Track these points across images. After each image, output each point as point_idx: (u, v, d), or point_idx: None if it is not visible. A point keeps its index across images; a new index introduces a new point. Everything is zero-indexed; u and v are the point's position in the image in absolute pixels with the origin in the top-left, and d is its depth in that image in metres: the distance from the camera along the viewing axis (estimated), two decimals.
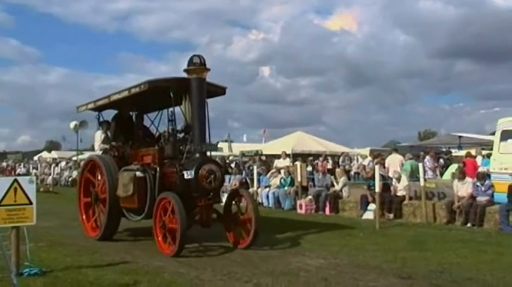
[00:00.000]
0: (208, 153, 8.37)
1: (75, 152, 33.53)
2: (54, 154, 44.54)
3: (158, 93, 8.40)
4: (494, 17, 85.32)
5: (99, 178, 9.32)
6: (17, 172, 32.64)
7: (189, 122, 8.37)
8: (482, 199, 10.96)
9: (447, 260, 7.17)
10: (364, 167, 19.51)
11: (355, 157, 24.34)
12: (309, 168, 17.76)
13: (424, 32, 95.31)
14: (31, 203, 6.12)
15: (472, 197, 11.07)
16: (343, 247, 8.22)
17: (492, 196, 11.04)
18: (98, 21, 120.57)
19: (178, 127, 8.64)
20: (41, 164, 36.61)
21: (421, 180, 11.76)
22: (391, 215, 12.15)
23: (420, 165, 12.65)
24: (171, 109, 8.68)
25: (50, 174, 28.82)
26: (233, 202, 8.57)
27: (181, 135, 8.57)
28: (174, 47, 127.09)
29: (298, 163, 15.81)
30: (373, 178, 11.90)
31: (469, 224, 10.74)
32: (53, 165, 30.64)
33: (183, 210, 7.29)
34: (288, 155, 19.56)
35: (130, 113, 10.13)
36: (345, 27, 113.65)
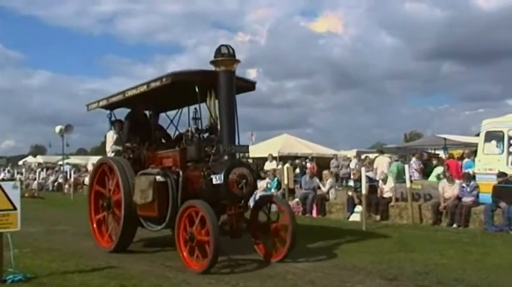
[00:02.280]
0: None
1: (60, 157, 33.19)
2: (39, 159, 44.08)
3: (181, 88, 7.62)
4: (479, 19, 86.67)
5: (112, 182, 8.44)
6: (0, 177, 32.23)
7: (215, 121, 7.59)
8: (467, 199, 11.09)
9: (433, 261, 7.23)
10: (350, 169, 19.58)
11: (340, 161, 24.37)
12: (297, 170, 17.82)
13: (410, 34, 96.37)
14: (15, 208, 6.05)
15: (458, 198, 11.19)
16: (330, 249, 8.24)
17: (477, 196, 11.16)
18: (83, 24, 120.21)
19: (201, 126, 7.82)
20: (25, 169, 36.20)
21: (407, 181, 11.85)
22: (378, 217, 12.24)
23: (406, 167, 12.76)
24: (193, 106, 7.95)
25: (35, 179, 28.52)
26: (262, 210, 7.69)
27: (205, 135, 7.72)
28: (160, 50, 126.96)
29: (285, 166, 15.82)
30: (359, 179, 11.97)
31: (454, 225, 10.86)
32: (38, 170, 30.32)
33: (216, 220, 6.51)
34: (274, 158, 19.59)
35: (145, 111, 9.33)
36: (331, 29, 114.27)
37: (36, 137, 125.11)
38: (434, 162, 16.15)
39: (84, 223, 12.13)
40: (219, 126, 7.42)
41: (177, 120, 9.13)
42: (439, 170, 14.34)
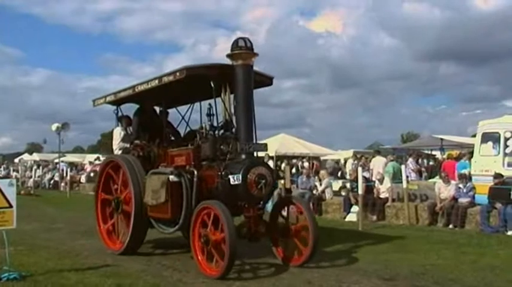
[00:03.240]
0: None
1: (57, 155, 33.12)
2: (35, 156, 43.96)
3: (194, 83, 7.30)
4: (478, 20, 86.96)
5: (120, 181, 8.05)
6: None
7: (230, 117, 7.23)
8: (463, 200, 11.12)
9: (429, 262, 7.24)
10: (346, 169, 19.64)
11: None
12: (293, 170, 17.82)
13: (409, 34, 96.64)
14: (11, 206, 6.03)
15: (454, 199, 11.22)
16: (326, 249, 8.24)
17: (473, 197, 11.20)
18: (81, 22, 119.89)
19: (213, 122, 7.41)
20: (21, 166, 36.10)
21: (404, 182, 11.86)
22: (374, 217, 12.25)
23: (403, 167, 12.78)
24: (205, 102, 7.63)
25: (31, 176, 28.45)
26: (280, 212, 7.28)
27: (219, 132, 7.29)
28: (159, 49, 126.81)
29: (282, 165, 15.82)
30: (356, 180, 11.98)
31: (450, 226, 10.88)
32: (34, 167, 30.24)
33: (232, 222, 6.12)
34: (271, 158, 19.58)
35: (155, 107, 8.95)
36: (330, 29, 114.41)
37: (32, 135, 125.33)
38: (431, 163, 16.20)
39: (80, 221, 12.18)
40: (234, 123, 7.11)
41: (188, 117, 8.81)
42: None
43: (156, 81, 7.49)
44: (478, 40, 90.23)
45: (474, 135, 14.27)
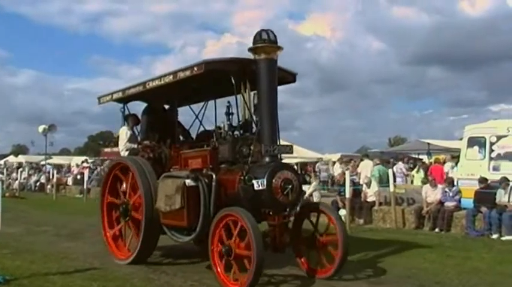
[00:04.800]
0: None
1: (43, 157, 32.81)
2: (21, 158, 43.48)
3: (212, 79, 6.82)
4: (466, 25, 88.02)
5: (128, 185, 7.52)
6: None
7: (250, 116, 6.77)
8: (450, 204, 11.22)
9: (416, 265, 7.29)
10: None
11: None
12: None
13: (397, 38, 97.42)
14: None
15: (440, 202, 11.32)
16: None
17: (459, 201, 11.30)
18: (69, 23, 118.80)
19: (232, 122, 6.91)
20: (7, 168, 35.68)
21: (391, 186, 11.94)
22: (361, 221, 12.31)
23: (390, 171, 12.85)
24: (219, 100, 7.25)
25: (16, 179, 28.14)
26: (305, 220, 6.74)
27: (239, 133, 6.79)
28: (147, 51, 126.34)
29: None
30: (343, 183, 12.04)
31: (437, 229, 10.97)
32: (20, 169, 29.92)
33: (259, 232, 5.56)
34: None
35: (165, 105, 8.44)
36: (319, 32, 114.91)
37: (18, 137, 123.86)
38: (418, 166, 16.35)
39: (66, 223, 12.09)
40: (254, 123, 6.67)
41: (201, 116, 8.25)
42: (421, 174, 14.64)
43: (171, 76, 6.90)
44: (466, 45, 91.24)
45: (461, 140, 14.41)
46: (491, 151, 12.07)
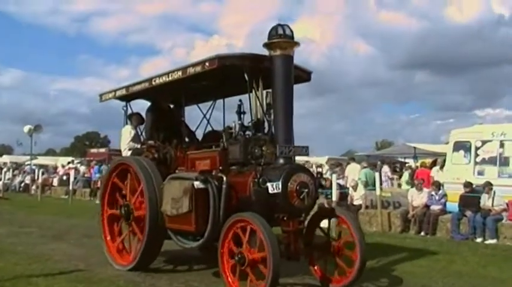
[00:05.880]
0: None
1: (28, 157, 32.47)
2: (5, 159, 42.99)
3: (223, 75, 6.50)
4: (453, 30, 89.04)
5: (128, 186, 7.14)
6: None
7: (262, 116, 6.41)
8: (435, 207, 11.32)
9: (402, 269, 7.32)
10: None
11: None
12: None
13: (385, 43, 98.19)
14: None
15: (426, 206, 11.41)
16: None
17: (445, 205, 11.41)
18: (57, 23, 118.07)
19: (243, 121, 6.51)
20: None
21: (377, 189, 12.01)
22: None
23: (377, 174, 12.93)
24: (228, 98, 6.98)
25: (0, 179, 27.79)
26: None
27: (251, 133, 6.37)
28: (135, 51, 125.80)
29: None
30: (330, 187, 12.07)
31: (422, 233, 11.06)
32: (4, 170, 29.56)
33: (275, 238, 5.20)
34: None
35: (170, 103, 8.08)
36: (308, 35, 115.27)
37: (3, 137, 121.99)
38: (404, 170, 16.50)
39: (51, 225, 11.96)
40: (266, 123, 6.37)
41: (208, 115, 7.87)
42: (406, 176, 14.79)
43: (179, 72, 6.54)
44: (453, 50, 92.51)
45: (447, 144, 14.56)
46: (477, 155, 12.20)
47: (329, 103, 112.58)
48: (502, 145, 12.02)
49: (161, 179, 6.61)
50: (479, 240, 10.09)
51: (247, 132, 6.33)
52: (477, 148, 12.20)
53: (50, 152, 63.97)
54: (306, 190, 5.58)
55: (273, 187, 5.52)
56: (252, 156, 6.02)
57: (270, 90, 6.20)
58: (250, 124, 6.37)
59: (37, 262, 7.38)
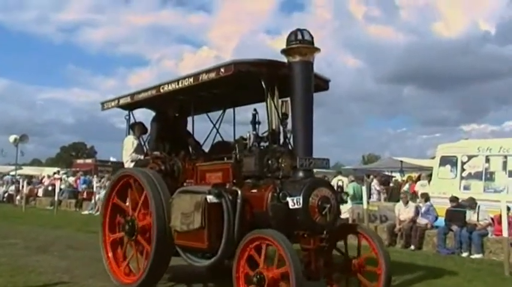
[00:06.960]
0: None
1: (13, 167, 32.09)
2: None
3: (237, 83, 6.17)
4: (440, 45, 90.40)
5: (133, 200, 6.76)
6: None
7: (277, 126, 6.03)
8: (422, 221, 11.37)
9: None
10: None
11: None
12: None
13: (373, 56, 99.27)
14: None
15: (413, 220, 11.46)
16: None
17: (436, 219, 11.44)
18: (44, 32, 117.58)
19: (258, 132, 6.12)
20: None
21: (364, 203, 12.05)
22: None
23: (364, 188, 12.98)
24: (239, 107, 6.79)
25: None
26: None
27: (267, 144, 5.99)
28: (123, 62, 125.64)
29: None
30: None
31: (412, 247, 11.07)
32: None
33: (298, 258, 4.87)
34: None
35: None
36: None
37: None
38: (391, 185, 16.58)
39: (35, 236, 11.79)
40: (282, 133, 6.03)
41: (219, 125, 7.47)
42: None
43: (191, 79, 6.13)
44: (440, 65, 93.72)
45: (433, 158, 14.70)
46: (463, 170, 12.35)
47: (316, 116, 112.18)
48: (487, 160, 12.19)
49: (169, 193, 6.20)
50: (465, 254, 10.14)
51: (262, 144, 5.95)
52: (463, 163, 12.36)
53: (36, 163, 63.28)
54: (328, 205, 5.26)
55: (294, 202, 5.16)
56: (269, 169, 5.66)
57: (285, 99, 5.95)
58: (265, 135, 6.01)
59: (20, 274, 7.25)
